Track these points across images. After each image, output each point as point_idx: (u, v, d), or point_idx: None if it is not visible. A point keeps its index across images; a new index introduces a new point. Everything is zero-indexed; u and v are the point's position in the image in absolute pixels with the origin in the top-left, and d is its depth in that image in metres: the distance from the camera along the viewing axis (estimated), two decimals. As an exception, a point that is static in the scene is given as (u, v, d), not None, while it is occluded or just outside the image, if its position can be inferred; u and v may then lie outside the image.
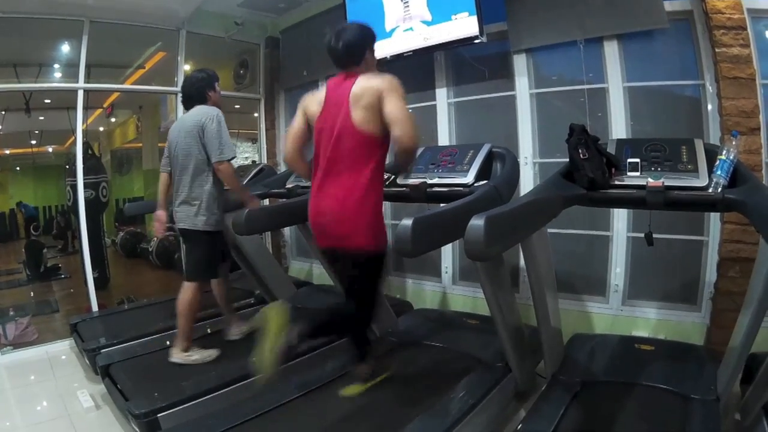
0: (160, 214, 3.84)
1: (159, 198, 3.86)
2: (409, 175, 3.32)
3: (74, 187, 5.34)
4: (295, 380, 3.13)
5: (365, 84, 2.63)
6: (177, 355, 3.58)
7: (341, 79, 2.77)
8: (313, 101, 2.85)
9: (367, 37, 2.81)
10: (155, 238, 8.27)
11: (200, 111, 3.59)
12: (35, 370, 4.23)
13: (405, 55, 4.53)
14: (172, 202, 3.80)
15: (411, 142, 2.55)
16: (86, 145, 5.79)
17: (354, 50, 2.75)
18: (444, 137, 4.74)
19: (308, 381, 3.11)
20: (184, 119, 3.66)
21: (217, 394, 3.14)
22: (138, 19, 5.32)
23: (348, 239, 2.68)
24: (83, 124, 5.20)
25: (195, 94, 3.69)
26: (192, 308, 3.61)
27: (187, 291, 3.63)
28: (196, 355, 3.61)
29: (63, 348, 4.65)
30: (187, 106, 3.74)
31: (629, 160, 2.71)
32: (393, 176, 3.40)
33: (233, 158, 3.60)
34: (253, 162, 6.28)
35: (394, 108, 2.54)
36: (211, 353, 3.65)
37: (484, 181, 3.18)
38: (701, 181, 2.50)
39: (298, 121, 2.92)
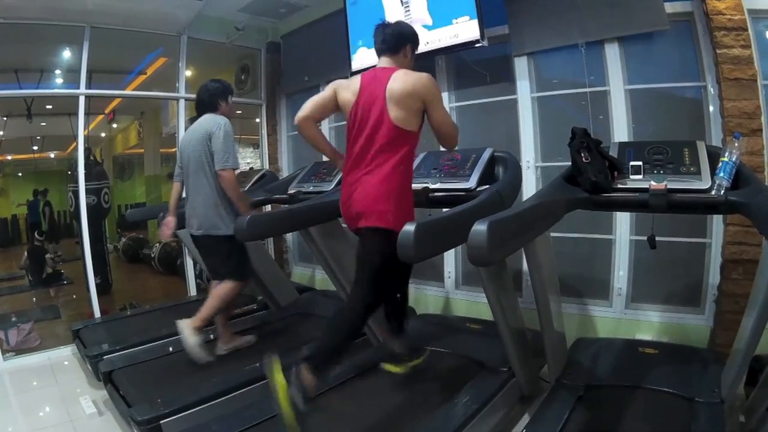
0: (170, 219, 3.91)
1: (170, 204, 3.94)
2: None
3: (76, 193, 5.34)
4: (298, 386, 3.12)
5: (404, 81, 2.69)
6: (222, 348, 3.85)
7: (376, 72, 2.82)
8: (348, 89, 2.87)
9: (413, 34, 2.94)
10: (158, 243, 8.27)
11: (209, 120, 3.68)
12: (38, 376, 4.22)
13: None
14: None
15: (454, 147, 2.97)
16: (88, 151, 5.79)
17: (397, 37, 2.86)
18: (446, 141, 4.71)
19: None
20: (194, 128, 3.74)
21: (219, 400, 3.12)
22: (139, 25, 5.33)
23: (365, 218, 2.70)
24: (85, 129, 5.19)
25: (207, 101, 3.78)
26: (225, 301, 3.77)
27: (228, 287, 3.75)
28: (237, 342, 3.89)
29: (65, 354, 4.64)
30: (199, 111, 3.82)
31: (632, 163, 2.71)
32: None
33: (236, 168, 3.66)
34: (251, 169, 6.27)
35: (441, 119, 2.78)
36: (249, 339, 3.98)
37: (487, 186, 3.17)
38: (704, 184, 2.50)
39: (327, 93, 2.95)
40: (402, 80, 2.69)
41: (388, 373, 3.21)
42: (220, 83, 3.86)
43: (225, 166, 3.55)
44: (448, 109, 4.59)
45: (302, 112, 2.91)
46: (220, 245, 3.70)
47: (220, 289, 3.74)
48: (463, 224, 2.06)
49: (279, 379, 2.43)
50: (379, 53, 2.90)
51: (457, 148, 3.07)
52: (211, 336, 4.07)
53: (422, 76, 2.70)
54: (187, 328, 3.56)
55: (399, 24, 2.92)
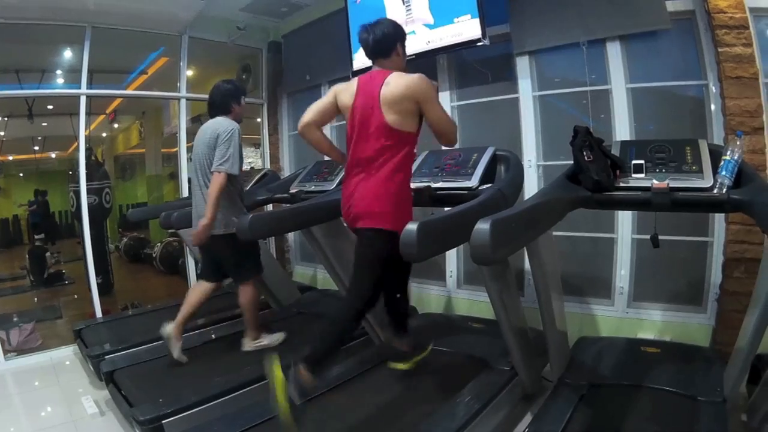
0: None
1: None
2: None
3: (77, 193, 5.34)
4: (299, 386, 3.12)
5: (396, 85, 2.70)
6: (249, 344, 3.86)
7: (371, 75, 2.84)
8: (346, 92, 2.88)
9: (397, 32, 2.90)
10: (159, 243, 8.28)
11: (219, 123, 3.68)
12: (39, 376, 4.22)
13: (408, 58, 4.50)
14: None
15: (453, 143, 2.92)
16: (89, 151, 5.79)
17: (383, 43, 2.84)
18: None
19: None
20: (204, 130, 3.74)
21: (221, 400, 3.13)
22: (140, 25, 5.33)
23: (363, 219, 2.74)
24: (86, 129, 5.19)
25: (219, 102, 3.77)
26: (254, 304, 3.85)
27: (244, 293, 3.82)
28: (266, 340, 3.89)
29: (67, 354, 4.65)
30: (211, 113, 3.82)
31: (634, 161, 2.71)
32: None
33: (233, 174, 3.61)
34: (252, 168, 6.27)
35: (437, 118, 2.77)
36: (278, 336, 3.96)
37: (489, 185, 3.17)
38: (706, 182, 2.49)
39: (327, 99, 2.98)
40: (395, 83, 2.70)
41: (392, 371, 3.21)
42: (233, 84, 3.86)
43: (219, 168, 3.53)
44: (449, 108, 4.62)
45: (303, 118, 2.96)
46: (227, 245, 3.68)
47: (243, 305, 3.81)
48: (465, 223, 2.05)
49: (278, 375, 2.45)
50: (372, 59, 2.91)
51: (458, 146, 3.07)
52: (213, 336, 4.08)
53: (414, 78, 2.71)
54: (251, 344, 3.79)
55: (380, 25, 2.86)
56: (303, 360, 2.53)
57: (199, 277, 4.03)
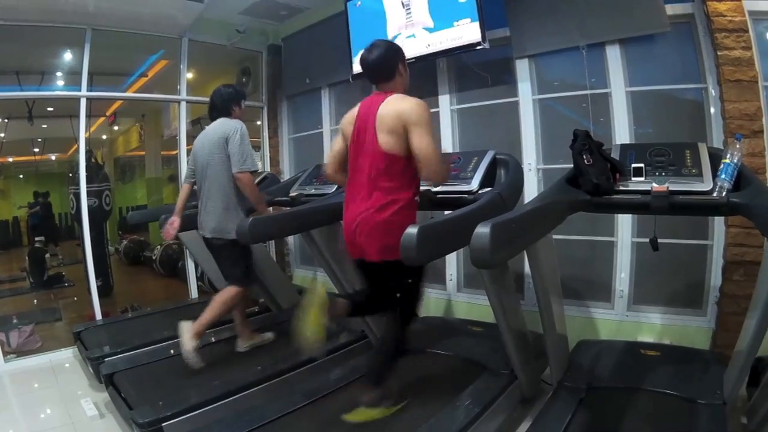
0: (175, 219, 3.92)
1: (178, 205, 3.96)
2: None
3: (77, 196, 5.34)
4: (301, 388, 3.13)
5: (391, 108, 2.68)
6: (242, 345, 3.95)
7: (372, 99, 2.82)
8: (349, 120, 2.90)
9: (395, 53, 2.86)
10: (159, 246, 8.28)
11: (224, 123, 3.73)
12: (39, 378, 4.22)
13: (408, 62, 4.50)
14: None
15: (437, 179, 2.79)
16: (89, 153, 5.79)
17: (383, 66, 2.82)
18: (447, 144, 4.72)
19: (314, 389, 3.10)
20: (208, 132, 3.79)
21: (221, 402, 3.13)
22: (140, 27, 5.34)
23: (375, 254, 2.70)
24: (86, 132, 5.19)
25: (220, 106, 3.83)
26: (225, 305, 3.77)
27: (227, 292, 3.81)
28: (257, 339, 3.99)
29: (66, 356, 4.64)
30: (212, 116, 3.87)
31: (633, 165, 2.71)
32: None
33: (255, 170, 3.73)
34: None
35: (421, 144, 2.60)
36: (269, 336, 4.06)
37: (489, 188, 3.17)
38: (705, 185, 2.50)
39: (338, 143, 3.02)
40: (391, 105, 2.68)
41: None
42: (233, 88, 3.92)
43: (242, 168, 3.61)
44: (448, 112, 4.64)
45: (328, 169, 3.12)
46: (229, 249, 3.72)
47: (224, 295, 3.77)
48: (465, 227, 2.06)
49: (321, 294, 2.66)
50: (374, 84, 2.88)
51: (458, 150, 3.06)
52: (213, 339, 4.08)
53: (412, 101, 2.68)
54: (187, 332, 3.56)
55: (377, 48, 2.83)
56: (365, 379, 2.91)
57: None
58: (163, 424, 2.86)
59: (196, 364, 3.54)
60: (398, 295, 2.84)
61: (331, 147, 3.09)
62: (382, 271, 2.76)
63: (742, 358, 2.50)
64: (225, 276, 3.91)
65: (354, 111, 2.88)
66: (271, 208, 4.18)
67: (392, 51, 2.85)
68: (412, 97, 2.72)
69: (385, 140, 2.65)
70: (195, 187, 3.90)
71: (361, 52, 2.91)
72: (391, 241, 2.50)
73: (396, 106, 2.67)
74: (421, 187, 3.13)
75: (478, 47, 4.12)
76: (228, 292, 3.78)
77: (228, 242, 3.69)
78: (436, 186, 3.21)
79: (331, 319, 2.67)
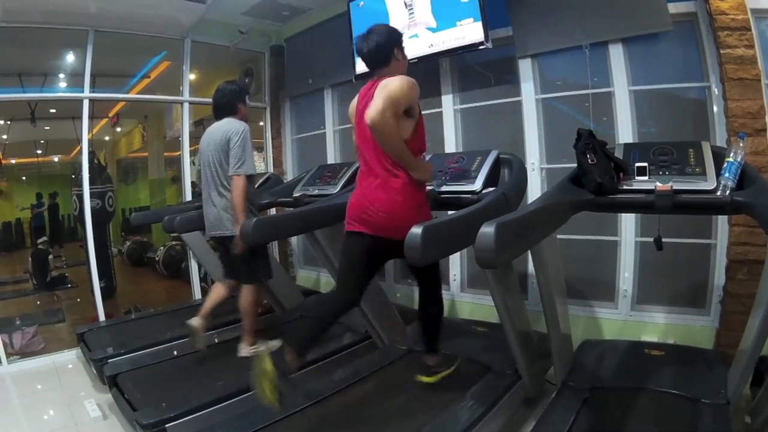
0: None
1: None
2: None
3: (80, 197, 5.36)
4: (304, 389, 3.12)
5: (382, 89, 2.68)
6: (245, 350, 3.78)
7: (370, 83, 2.85)
8: (352, 109, 2.96)
9: (392, 37, 2.87)
10: (162, 247, 8.29)
11: (228, 124, 3.70)
12: (42, 380, 4.23)
13: (410, 61, 4.49)
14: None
15: (371, 121, 2.58)
16: (92, 155, 5.80)
17: (380, 51, 2.83)
18: (451, 144, 4.73)
19: (318, 390, 3.10)
20: (213, 132, 3.75)
21: (225, 404, 3.12)
22: (142, 29, 5.35)
23: (398, 232, 2.63)
24: (89, 133, 5.20)
25: (225, 105, 3.78)
26: (253, 308, 3.82)
27: (246, 294, 3.79)
28: (263, 347, 3.73)
29: (70, 357, 4.65)
30: (217, 116, 3.82)
31: (637, 164, 2.71)
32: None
33: (251, 174, 3.68)
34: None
35: (375, 100, 2.63)
36: (275, 343, 3.77)
37: (492, 188, 3.17)
38: (709, 184, 2.49)
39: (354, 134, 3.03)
40: (383, 87, 2.69)
41: (391, 375, 3.29)
42: (236, 85, 3.88)
43: (237, 171, 3.57)
44: (451, 111, 4.64)
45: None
46: (232, 246, 3.69)
47: (243, 306, 3.79)
48: (469, 227, 2.06)
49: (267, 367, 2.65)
50: (372, 69, 2.90)
51: (461, 150, 3.06)
52: (216, 340, 4.08)
53: (400, 77, 2.71)
54: (248, 350, 3.71)
55: (373, 34, 2.84)
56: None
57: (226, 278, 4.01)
58: (167, 426, 2.85)
59: (274, 348, 3.53)
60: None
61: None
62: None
63: (745, 357, 2.50)
64: (240, 273, 3.84)
65: (355, 99, 2.93)
66: (273, 210, 4.17)
67: (387, 36, 2.85)
68: (404, 76, 2.73)
69: None
70: (196, 189, 3.88)
71: (357, 38, 2.92)
72: (414, 217, 2.60)
73: (386, 86, 2.67)
74: (427, 187, 3.12)
75: (481, 47, 4.12)
76: (246, 295, 3.78)
77: (229, 240, 3.68)
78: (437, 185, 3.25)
79: (285, 377, 2.80)
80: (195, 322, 3.69)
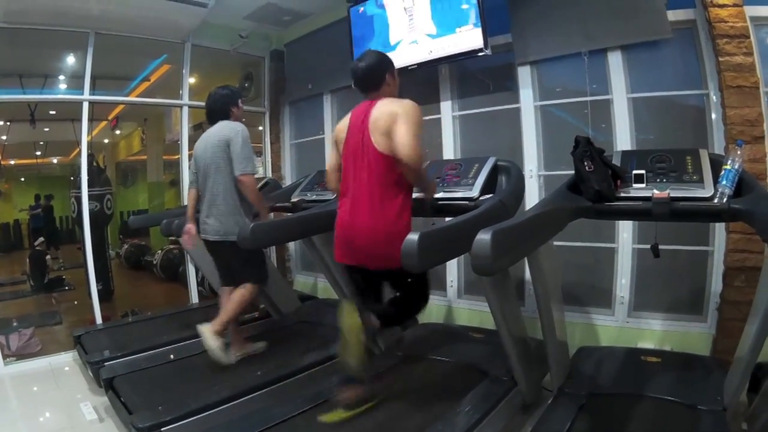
0: (191, 227, 3.89)
1: (189, 212, 3.93)
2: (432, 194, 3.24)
3: (79, 199, 5.35)
4: (301, 393, 3.12)
5: (384, 109, 2.73)
6: (234, 355, 3.75)
7: (364, 105, 2.86)
8: (341, 128, 2.95)
9: (383, 63, 2.92)
10: (160, 251, 8.28)
11: (225, 126, 3.71)
12: (38, 382, 4.21)
13: (410, 68, 4.53)
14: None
15: (412, 162, 2.60)
16: (91, 157, 5.79)
17: (373, 75, 2.87)
18: (449, 150, 4.74)
19: (313, 394, 3.09)
20: (210, 134, 3.76)
21: (221, 408, 3.11)
22: (143, 32, 5.34)
23: (382, 260, 2.71)
24: (88, 135, 5.20)
25: (218, 109, 3.80)
26: (241, 305, 3.76)
27: (242, 291, 3.77)
28: (249, 348, 3.87)
29: (66, 360, 4.64)
30: (211, 120, 3.84)
31: (634, 171, 2.72)
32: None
33: (255, 173, 3.71)
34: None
35: (401, 130, 2.61)
36: (261, 345, 3.95)
37: (490, 195, 3.17)
38: (707, 192, 2.50)
39: (333, 156, 3.06)
40: (384, 107, 2.74)
41: (391, 378, 3.27)
42: (228, 89, 3.88)
43: (245, 171, 3.60)
44: (450, 118, 4.64)
45: (330, 183, 3.16)
46: (239, 250, 3.64)
47: (239, 294, 3.74)
48: (466, 233, 2.06)
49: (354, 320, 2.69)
50: (363, 93, 2.93)
51: (459, 156, 3.07)
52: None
53: (404, 101, 2.75)
54: (207, 333, 3.57)
55: (365, 60, 2.92)
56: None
57: (222, 285, 4.01)
58: (162, 429, 2.85)
59: (227, 361, 3.59)
60: (410, 294, 2.99)
61: (328, 161, 3.13)
62: (390, 276, 2.83)
63: (742, 364, 2.50)
64: (234, 278, 3.84)
65: (345, 120, 2.93)
66: (272, 214, 4.17)
67: (381, 61, 2.92)
68: (405, 99, 2.77)
69: (381, 142, 2.68)
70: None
71: (352, 64, 2.98)
72: (395, 247, 2.49)
73: (389, 106, 2.73)
74: (422, 194, 3.12)
75: (480, 53, 4.13)
76: (243, 292, 3.75)
77: (233, 244, 3.63)
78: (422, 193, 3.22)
79: (369, 340, 2.78)
80: (212, 342, 3.57)
